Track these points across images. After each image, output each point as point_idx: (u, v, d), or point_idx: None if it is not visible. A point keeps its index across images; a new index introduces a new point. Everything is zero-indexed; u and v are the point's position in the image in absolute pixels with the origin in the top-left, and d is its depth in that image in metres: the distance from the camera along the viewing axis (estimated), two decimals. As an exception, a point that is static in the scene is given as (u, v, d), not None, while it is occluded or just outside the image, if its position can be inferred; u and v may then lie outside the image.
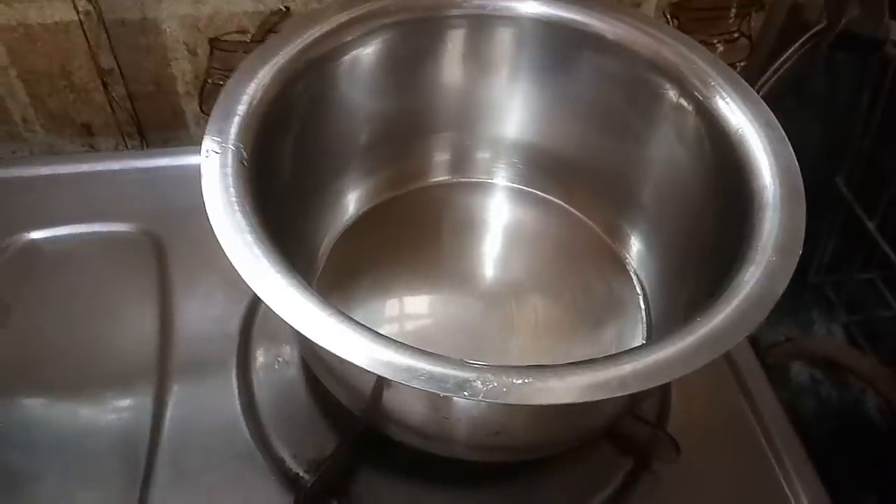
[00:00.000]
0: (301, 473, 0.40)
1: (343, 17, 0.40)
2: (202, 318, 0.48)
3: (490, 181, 0.52)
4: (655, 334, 0.43)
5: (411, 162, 0.50)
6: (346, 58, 0.41)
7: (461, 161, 0.51)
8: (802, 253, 0.30)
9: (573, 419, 0.36)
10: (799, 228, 0.32)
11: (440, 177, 0.51)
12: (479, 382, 0.27)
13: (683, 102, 0.40)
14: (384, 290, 0.44)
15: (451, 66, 0.47)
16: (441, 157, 0.50)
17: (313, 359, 0.40)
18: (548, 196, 0.50)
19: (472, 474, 0.40)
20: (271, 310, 0.29)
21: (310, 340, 0.28)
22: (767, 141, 0.36)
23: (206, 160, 0.33)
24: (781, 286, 0.30)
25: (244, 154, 0.33)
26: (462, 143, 0.50)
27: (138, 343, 0.47)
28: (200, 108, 0.62)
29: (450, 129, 0.49)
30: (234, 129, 0.34)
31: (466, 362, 0.28)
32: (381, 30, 0.41)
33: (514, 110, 0.48)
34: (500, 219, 0.49)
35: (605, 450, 0.43)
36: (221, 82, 0.60)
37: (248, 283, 0.29)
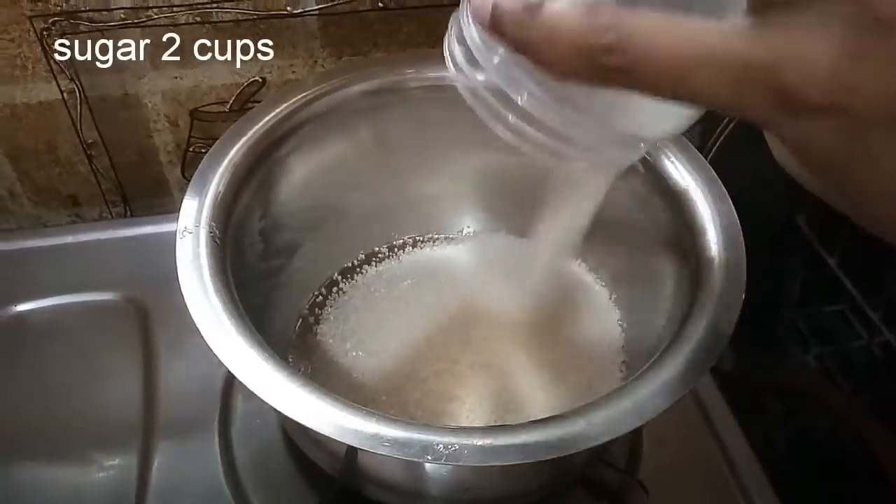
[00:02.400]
0: (282, 536, 0.41)
1: (314, 92, 0.43)
2: (185, 381, 0.49)
3: (458, 235, 0.54)
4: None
5: (390, 223, 0.52)
6: (316, 130, 0.44)
7: (440, 220, 0.53)
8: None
9: (542, 469, 0.37)
10: (739, 280, 0.34)
11: (418, 232, 0.53)
12: (441, 446, 0.28)
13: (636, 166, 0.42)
14: (362, 352, 0.46)
15: (424, 132, 0.49)
16: (422, 217, 0.52)
17: (288, 423, 0.41)
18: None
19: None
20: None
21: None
22: (711, 198, 0.38)
23: (180, 240, 0.35)
24: (725, 337, 0.32)
25: (216, 233, 0.35)
26: (441, 203, 0.52)
27: (123, 407, 0.48)
28: (183, 175, 0.64)
29: (426, 191, 0.51)
30: (206, 209, 0.36)
31: (430, 426, 0.29)
32: (353, 98, 0.44)
33: (491, 171, 0.50)
34: (475, 268, 0.51)
35: (578, 495, 0.44)
36: (203, 150, 0.63)
37: (219, 357, 0.31)
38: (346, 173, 0.48)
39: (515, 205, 0.52)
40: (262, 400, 0.30)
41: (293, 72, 0.59)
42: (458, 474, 0.34)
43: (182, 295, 0.52)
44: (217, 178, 0.38)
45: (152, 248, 0.57)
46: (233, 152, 0.39)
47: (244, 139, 0.40)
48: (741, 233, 0.37)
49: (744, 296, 0.34)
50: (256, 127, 0.40)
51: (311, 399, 0.30)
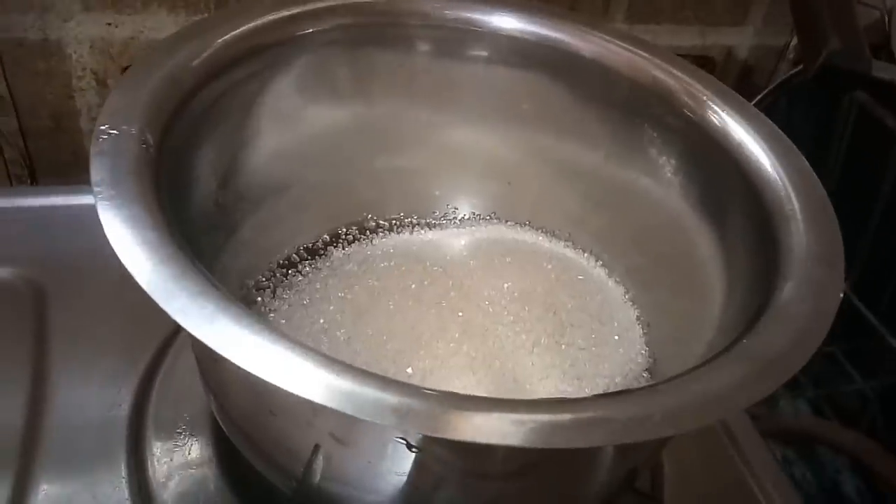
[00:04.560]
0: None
1: (289, 11, 0.34)
2: (87, 386, 0.38)
3: (455, 219, 0.45)
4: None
5: (361, 199, 0.43)
6: (289, 58, 0.35)
7: (417, 196, 0.44)
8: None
9: (561, 485, 0.28)
10: (834, 236, 0.27)
11: (394, 213, 0.44)
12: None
13: (674, 124, 0.36)
14: (327, 343, 0.36)
15: (411, 89, 0.41)
16: (394, 189, 0.44)
17: (231, 416, 0.31)
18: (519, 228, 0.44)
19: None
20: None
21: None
22: (774, 153, 0.31)
23: (98, 143, 0.25)
24: (833, 301, 0.24)
25: (149, 140, 0.26)
26: (417, 173, 0.44)
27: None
28: (107, 147, 0.54)
29: (404, 157, 0.43)
30: (140, 109, 0.27)
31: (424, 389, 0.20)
32: (333, 31, 0.36)
33: (487, 145, 0.43)
34: (481, 252, 0.42)
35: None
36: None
37: (143, 286, 0.21)
38: (313, 125, 0.39)
39: (514, 188, 0.45)
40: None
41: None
42: (464, 490, 0.25)
43: (92, 281, 0.43)
44: (156, 83, 0.28)
45: (60, 223, 0.47)
46: (181, 55, 0.30)
47: (197, 43, 0.31)
48: (821, 186, 0.30)
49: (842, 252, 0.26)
50: (215, 35, 0.31)
51: (284, 352, 0.20)
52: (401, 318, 0.36)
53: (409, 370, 0.34)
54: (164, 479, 0.34)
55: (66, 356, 0.40)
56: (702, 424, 0.21)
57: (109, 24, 0.49)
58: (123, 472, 0.35)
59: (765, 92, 0.59)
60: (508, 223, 0.45)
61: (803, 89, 0.58)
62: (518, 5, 0.39)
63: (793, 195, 0.30)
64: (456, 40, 0.40)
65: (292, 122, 0.39)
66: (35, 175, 0.54)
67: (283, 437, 0.27)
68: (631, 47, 0.37)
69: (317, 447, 0.27)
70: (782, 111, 0.60)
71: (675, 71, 0.36)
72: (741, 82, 0.68)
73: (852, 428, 0.61)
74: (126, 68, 0.50)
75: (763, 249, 0.29)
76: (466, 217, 0.45)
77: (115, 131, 0.25)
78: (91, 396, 0.38)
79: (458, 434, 0.19)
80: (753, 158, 0.32)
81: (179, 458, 0.36)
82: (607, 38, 0.38)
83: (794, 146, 0.32)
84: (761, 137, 0.33)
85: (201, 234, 0.32)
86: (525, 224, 0.45)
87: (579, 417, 0.20)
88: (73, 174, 0.55)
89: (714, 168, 0.34)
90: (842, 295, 0.25)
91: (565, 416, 0.20)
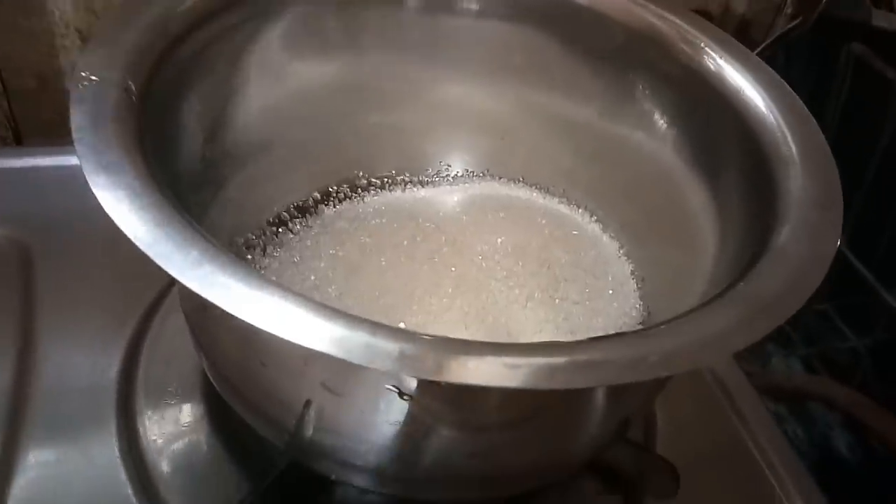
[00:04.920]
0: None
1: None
2: (75, 348, 0.38)
3: (448, 177, 0.44)
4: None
5: (352, 156, 0.42)
6: (278, 13, 0.34)
7: (409, 154, 0.43)
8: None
9: (554, 435, 0.28)
10: (832, 179, 0.27)
11: (386, 171, 0.44)
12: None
13: (668, 70, 0.35)
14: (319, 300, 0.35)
15: (403, 45, 0.40)
16: (385, 147, 0.43)
17: (221, 371, 0.31)
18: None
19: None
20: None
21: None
22: (772, 98, 0.31)
23: (77, 92, 0.24)
24: (831, 244, 0.24)
25: (132, 88, 0.25)
26: (408, 130, 0.43)
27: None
28: (93, 108, 0.53)
29: (394, 113, 0.42)
30: (122, 56, 0.26)
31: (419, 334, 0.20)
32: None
33: (479, 101, 0.42)
34: (475, 208, 0.41)
35: (589, 487, 0.35)
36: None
37: (126, 232, 0.20)
38: (303, 80, 0.38)
39: (507, 145, 0.44)
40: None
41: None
42: (457, 440, 0.25)
43: (79, 242, 0.43)
44: (140, 28, 0.27)
45: (47, 183, 0.46)
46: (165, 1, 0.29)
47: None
48: (820, 131, 0.29)
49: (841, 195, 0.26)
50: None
51: (279, 301, 0.20)
52: (393, 274, 0.36)
53: (402, 325, 0.34)
54: (154, 438, 0.34)
55: (53, 319, 0.39)
56: (697, 365, 0.20)
57: (92, -22, 0.48)
58: (114, 432, 0.35)
59: (763, 45, 0.58)
60: (502, 179, 0.44)
61: (801, 42, 0.57)
62: None
63: (790, 139, 0.29)
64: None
65: (280, 77, 0.38)
66: (20, 136, 0.53)
67: (274, 390, 0.27)
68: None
69: (308, 400, 0.27)
70: (780, 65, 0.59)
71: (670, 17, 0.35)
72: (739, 37, 0.67)
73: (844, 384, 0.62)
74: (110, 25, 0.49)
75: (759, 195, 0.28)
76: (459, 174, 0.45)
77: (95, 77, 0.25)
78: (79, 359, 0.38)
79: (454, 377, 0.19)
80: (752, 104, 0.31)
81: (171, 418, 0.35)
82: None
83: (793, 91, 0.31)
84: (759, 83, 0.32)
85: (188, 189, 0.32)
86: (518, 180, 0.44)
87: (574, 360, 0.20)
88: (59, 134, 0.53)
89: (710, 115, 0.33)
90: (838, 240, 0.24)
91: (560, 359, 0.20)
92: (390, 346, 0.20)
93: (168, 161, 0.28)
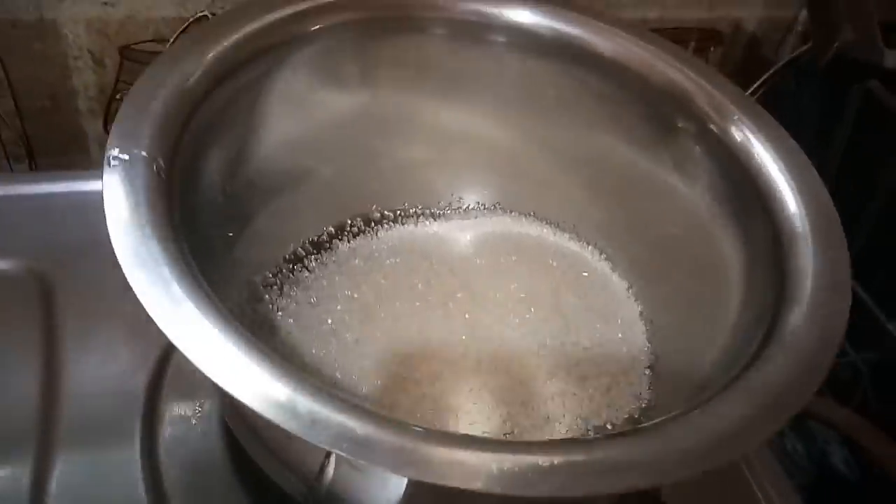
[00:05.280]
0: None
1: (294, 8, 0.33)
2: (98, 376, 0.39)
3: (460, 210, 0.45)
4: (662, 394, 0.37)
5: (367, 190, 0.43)
6: (295, 55, 0.35)
7: (422, 187, 0.44)
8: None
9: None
10: (842, 259, 0.27)
11: (399, 204, 0.44)
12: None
13: (691, 129, 0.35)
14: (335, 345, 0.36)
15: (420, 79, 0.41)
16: (399, 180, 0.43)
17: (245, 432, 0.32)
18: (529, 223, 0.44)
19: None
20: (188, 364, 0.21)
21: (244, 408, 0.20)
22: (789, 169, 0.31)
23: (109, 170, 0.25)
24: (839, 332, 0.25)
25: (161, 164, 0.26)
26: (421, 164, 0.43)
27: (14, 409, 0.37)
28: (105, 128, 0.53)
29: (409, 148, 0.43)
30: (147, 133, 0.26)
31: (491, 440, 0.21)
32: (341, 27, 0.35)
33: (494, 135, 0.42)
34: (487, 249, 0.42)
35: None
36: (132, 99, 0.52)
37: (165, 331, 0.21)
38: (321, 117, 0.39)
39: (519, 179, 0.44)
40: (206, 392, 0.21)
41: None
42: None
43: (97, 269, 0.43)
44: (164, 97, 0.28)
45: (62, 211, 0.46)
46: (187, 65, 0.29)
47: (201, 49, 0.30)
48: (833, 207, 0.30)
49: (850, 278, 0.27)
50: (220, 39, 0.31)
51: (294, 396, 0.21)
52: (408, 321, 0.37)
53: (417, 375, 0.35)
54: (172, 467, 0.35)
55: (77, 345, 0.40)
56: (713, 467, 0.21)
57: (105, 2, 0.48)
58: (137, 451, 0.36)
59: (772, 70, 0.58)
60: (513, 213, 0.45)
61: (811, 67, 0.57)
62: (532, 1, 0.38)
63: (804, 213, 0.30)
64: (466, 33, 0.39)
65: (298, 115, 0.38)
66: (33, 155, 0.53)
67: (293, 439, 0.28)
68: (650, 46, 0.37)
69: (329, 452, 0.27)
70: (790, 91, 0.59)
71: (694, 76, 0.35)
72: (749, 54, 0.67)
73: (844, 400, 0.63)
74: (123, 48, 0.49)
75: (773, 265, 0.29)
76: (471, 207, 0.45)
77: (125, 156, 0.25)
78: (104, 380, 0.38)
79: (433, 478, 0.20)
80: (767, 172, 0.32)
81: (190, 437, 0.36)
82: (626, 35, 0.37)
83: (811, 164, 0.32)
84: (777, 150, 0.32)
85: (213, 226, 0.32)
86: (530, 215, 0.45)
87: (593, 461, 0.20)
88: (71, 152, 0.54)
89: (728, 173, 0.34)
90: (846, 327, 0.25)
91: (579, 458, 0.20)
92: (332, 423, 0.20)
93: (194, 211, 0.29)
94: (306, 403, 0.22)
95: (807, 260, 0.28)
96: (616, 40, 0.37)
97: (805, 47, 0.58)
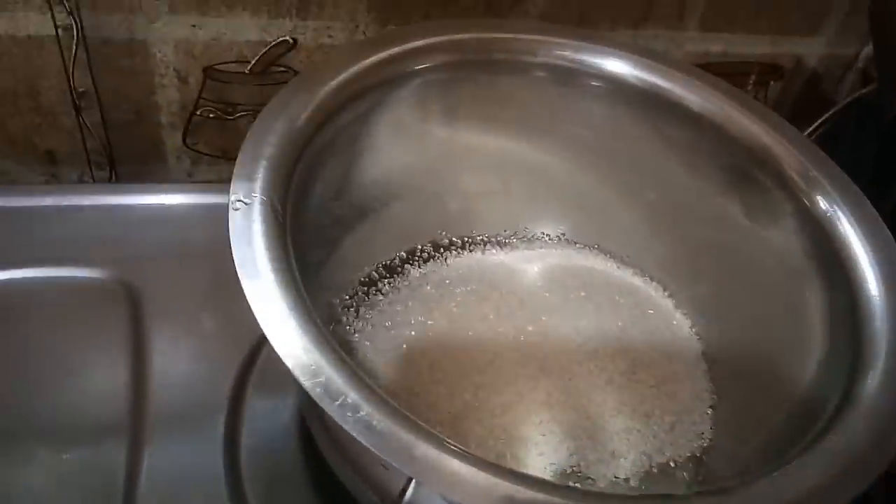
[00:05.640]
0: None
1: (394, 50, 0.35)
2: (183, 382, 0.41)
3: (525, 239, 0.47)
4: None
5: (438, 217, 0.45)
6: (390, 95, 0.36)
7: (489, 216, 0.46)
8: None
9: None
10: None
11: (466, 231, 0.46)
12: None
13: (780, 196, 0.36)
14: (408, 370, 0.38)
15: (509, 123, 0.42)
16: (473, 214, 0.45)
17: (327, 442, 0.34)
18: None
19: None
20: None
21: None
22: (866, 236, 0.32)
23: (234, 213, 0.27)
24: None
25: (277, 206, 0.28)
26: (492, 194, 0.45)
27: (106, 409, 0.39)
28: (184, 141, 0.55)
29: (482, 179, 0.44)
30: (264, 176, 0.28)
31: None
32: (433, 69, 0.37)
33: (564, 169, 0.44)
34: (555, 283, 0.43)
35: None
36: (211, 115, 0.54)
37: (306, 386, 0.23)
38: (406, 150, 0.41)
39: (585, 212, 0.46)
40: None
41: (329, 35, 0.51)
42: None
43: (179, 278, 0.45)
44: (276, 141, 0.29)
45: (143, 222, 0.49)
46: (295, 110, 0.31)
47: (309, 96, 0.32)
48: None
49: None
50: (325, 84, 0.32)
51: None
52: (480, 350, 0.38)
53: (490, 404, 0.36)
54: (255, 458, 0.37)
55: (163, 351, 0.42)
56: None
57: (194, 25, 0.50)
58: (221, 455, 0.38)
59: (833, 110, 0.59)
60: (577, 245, 0.46)
61: (873, 109, 0.57)
62: (626, 49, 0.40)
63: (882, 280, 0.31)
64: (550, 76, 0.40)
65: (390, 150, 0.40)
66: (114, 164, 0.55)
67: (379, 461, 0.29)
68: (733, 101, 0.38)
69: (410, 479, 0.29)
70: (849, 129, 0.59)
71: (787, 144, 0.36)
72: (809, 90, 0.68)
73: None
74: (207, 68, 0.51)
75: (847, 326, 0.30)
76: (536, 236, 0.47)
77: (246, 201, 0.27)
78: (188, 386, 0.40)
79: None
80: (844, 235, 0.33)
81: (272, 441, 0.38)
82: (719, 94, 0.38)
83: (892, 239, 0.32)
84: (854, 214, 0.33)
85: (309, 255, 0.34)
86: (594, 247, 0.46)
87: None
88: (150, 163, 0.57)
89: (804, 231, 0.35)
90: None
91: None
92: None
93: (301, 245, 0.30)
94: (399, 432, 0.23)
95: (883, 325, 0.29)
96: (701, 93, 0.38)
97: (867, 89, 0.58)
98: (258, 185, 0.28)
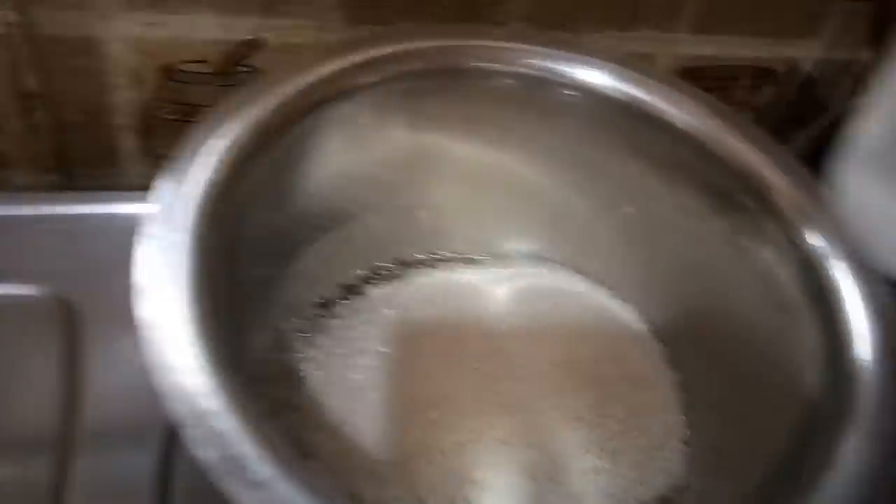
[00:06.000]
0: None
1: (346, 61, 0.32)
2: (119, 402, 0.38)
3: (498, 257, 0.44)
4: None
5: (403, 233, 0.42)
6: (346, 106, 0.33)
7: (457, 232, 0.43)
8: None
9: None
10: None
11: (434, 248, 0.43)
12: None
13: (766, 223, 0.33)
14: (359, 403, 0.35)
15: (482, 135, 0.39)
16: (441, 230, 0.42)
17: None
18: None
19: None
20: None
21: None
22: (855, 273, 0.30)
23: (144, 245, 0.24)
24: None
25: (204, 237, 0.25)
26: (460, 209, 0.42)
27: (34, 431, 0.37)
28: (141, 144, 0.52)
29: (450, 192, 0.41)
30: (190, 203, 0.25)
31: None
32: (394, 79, 0.34)
33: (539, 184, 0.41)
34: (524, 308, 0.41)
35: None
36: (170, 117, 0.51)
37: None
38: (368, 162, 0.38)
39: (561, 230, 0.43)
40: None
41: (297, 35, 0.48)
42: None
43: (126, 295, 0.42)
44: (208, 161, 0.27)
45: (92, 233, 0.46)
46: (232, 127, 0.28)
47: (251, 107, 0.29)
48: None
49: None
50: (269, 96, 0.30)
51: None
52: (437, 383, 0.36)
53: (443, 443, 0.34)
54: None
55: (100, 377, 0.39)
56: None
57: (152, 23, 0.47)
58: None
59: (827, 116, 0.56)
60: (551, 263, 0.44)
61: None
62: (607, 58, 0.37)
63: (869, 325, 0.28)
64: (523, 86, 0.37)
65: (344, 168, 0.37)
66: (68, 167, 0.53)
67: None
68: (719, 118, 0.35)
69: None
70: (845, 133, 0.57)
71: (775, 170, 0.33)
72: (803, 94, 0.65)
73: None
74: (166, 68, 0.49)
75: (828, 372, 0.27)
76: (508, 254, 0.44)
77: (160, 237, 0.24)
78: (123, 418, 0.38)
79: None
80: (830, 274, 0.30)
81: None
82: (704, 108, 0.35)
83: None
84: (845, 250, 0.30)
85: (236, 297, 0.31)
86: (568, 266, 0.44)
87: None
88: (104, 167, 0.54)
89: (785, 262, 0.32)
90: None
91: None
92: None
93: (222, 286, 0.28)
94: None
95: (871, 377, 0.26)
96: (685, 107, 0.35)
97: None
98: (181, 219, 0.25)
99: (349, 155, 0.37)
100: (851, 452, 0.24)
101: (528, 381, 0.36)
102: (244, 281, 0.31)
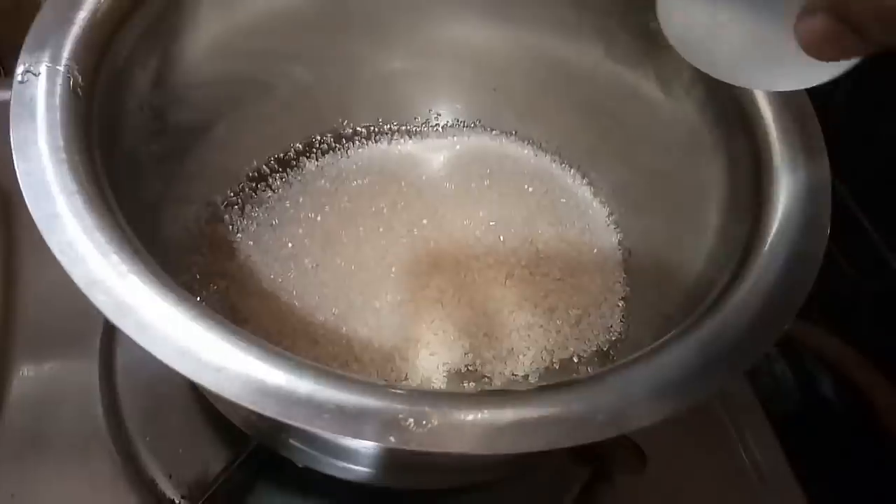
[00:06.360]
0: (178, 501, 0.31)
1: None
2: (57, 293, 0.38)
3: (438, 127, 0.43)
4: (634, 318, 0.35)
5: (338, 104, 0.40)
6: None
7: (397, 101, 0.41)
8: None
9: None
10: (823, 187, 0.25)
11: (372, 119, 0.42)
12: (411, 422, 0.18)
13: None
14: (295, 270, 0.35)
15: None
16: (372, 92, 0.41)
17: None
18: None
19: (398, 497, 0.32)
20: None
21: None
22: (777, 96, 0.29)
23: (20, 85, 0.23)
24: (808, 284, 0.23)
25: (78, 79, 0.23)
26: (397, 75, 0.41)
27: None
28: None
29: (384, 56, 0.40)
30: (68, 43, 0.24)
31: (392, 388, 0.19)
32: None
33: (479, 46, 0.40)
34: (460, 172, 0.40)
35: (558, 459, 0.36)
36: None
37: (70, 274, 0.20)
38: (281, 28, 0.36)
39: (500, 94, 0.42)
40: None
41: None
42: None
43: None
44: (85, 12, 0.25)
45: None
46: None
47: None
48: (819, 129, 0.27)
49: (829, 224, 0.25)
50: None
51: (219, 344, 0.19)
52: (371, 247, 0.35)
53: (377, 304, 0.34)
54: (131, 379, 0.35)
55: (36, 259, 0.39)
56: (647, 424, 0.20)
57: None
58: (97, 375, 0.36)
59: None
60: (493, 132, 0.43)
61: None
62: None
63: (790, 143, 0.27)
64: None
65: (251, 30, 0.35)
66: (1, 58, 0.50)
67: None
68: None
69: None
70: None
71: None
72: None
73: (840, 326, 0.61)
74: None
75: (753, 196, 0.27)
76: (449, 124, 0.43)
77: (39, 71, 0.23)
78: (63, 298, 0.37)
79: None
80: (753, 98, 0.29)
81: (148, 362, 0.35)
82: None
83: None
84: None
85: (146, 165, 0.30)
86: (512, 134, 0.42)
87: (520, 418, 0.19)
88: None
89: (715, 96, 0.31)
90: (816, 274, 0.23)
91: (505, 415, 0.19)
92: (382, 410, 0.19)
93: (119, 144, 0.27)
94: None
95: (787, 196, 0.25)
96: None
97: None
98: (60, 53, 0.24)
99: (263, 15, 0.35)
100: (760, 270, 0.24)
101: (462, 243, 0.36)
102: (143, 151, 0.30)
